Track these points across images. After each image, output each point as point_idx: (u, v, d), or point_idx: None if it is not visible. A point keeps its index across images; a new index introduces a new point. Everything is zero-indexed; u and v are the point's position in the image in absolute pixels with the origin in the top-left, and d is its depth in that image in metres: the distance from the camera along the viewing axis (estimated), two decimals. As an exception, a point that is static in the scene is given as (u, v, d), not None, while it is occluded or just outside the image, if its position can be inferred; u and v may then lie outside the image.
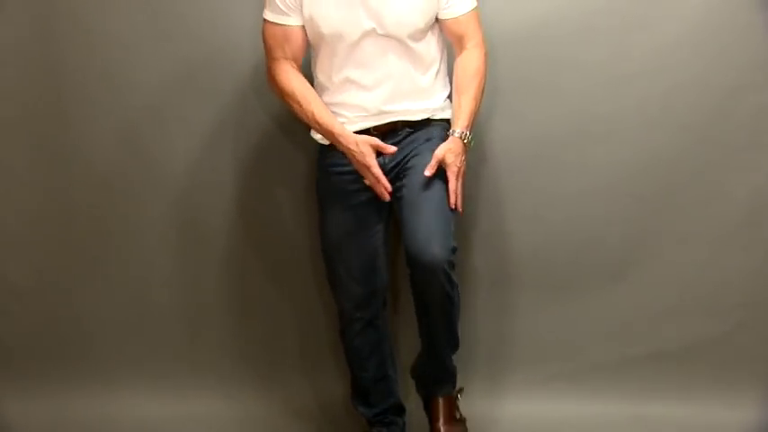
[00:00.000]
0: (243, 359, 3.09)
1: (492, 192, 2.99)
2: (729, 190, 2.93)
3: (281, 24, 2.56)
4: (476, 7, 2.60)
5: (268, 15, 2.57)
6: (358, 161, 2.49)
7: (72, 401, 3.05)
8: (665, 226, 2.97)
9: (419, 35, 2.54)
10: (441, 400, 2.61)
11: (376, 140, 2.50)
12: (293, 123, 2.89)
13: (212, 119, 2.99)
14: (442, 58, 2.63)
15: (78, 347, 3.09)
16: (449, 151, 2.47)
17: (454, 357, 2.64)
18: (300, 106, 2.55)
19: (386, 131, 2.55)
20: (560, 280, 3.01)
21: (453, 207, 2.47)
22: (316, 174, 2.71)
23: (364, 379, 2.70)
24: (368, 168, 2.48)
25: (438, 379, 2.63)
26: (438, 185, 2.48)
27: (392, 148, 2.51)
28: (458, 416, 2.65)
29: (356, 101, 2.55)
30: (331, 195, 2.61)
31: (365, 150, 2.48)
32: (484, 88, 2.58)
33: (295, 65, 2.59)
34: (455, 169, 2.47)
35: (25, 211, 3.05)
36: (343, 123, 2.55)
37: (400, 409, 2.77)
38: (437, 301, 2.42)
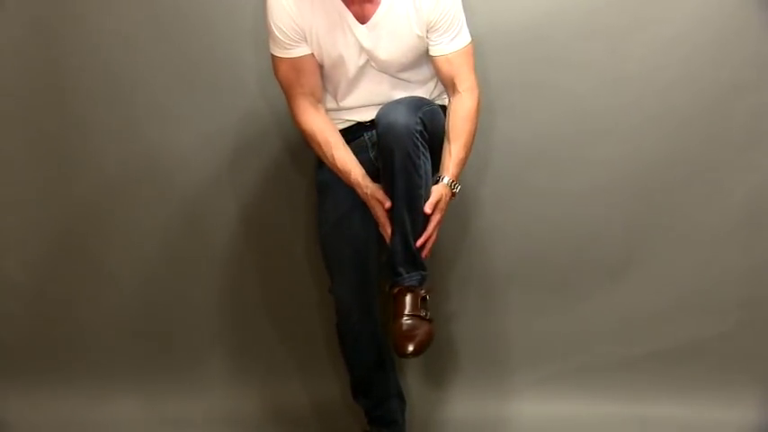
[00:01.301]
0: (240, 360, 3.09)
1: (492, 191, 2.99)
2: (729, 189, 2.94)
3: (289, 58, 2.54)
4: (469, 44, 2.56)
5: (275, 51, 2.55)
6: (370, 204, 2.51)
7: (72, 401, 3.05)
8: (665, 225, 2.97)
9: (409, 67, 2.58)
10: (407, 296, 2.44)
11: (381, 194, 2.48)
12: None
13: (213, 118, 2.99)
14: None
15: (78, 347, 3.08)
16: (438, 194, 2.45)
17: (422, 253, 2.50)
18: (321, 148, 2.55)
19: None
20: (560, 280, 3.01)
21: (421, 247, 2.43)
22: (315, 171, 2.72)
23: (363, 369, 2.69)
24: (378, 217, 2.49)
25: (403, 260, 2.45)
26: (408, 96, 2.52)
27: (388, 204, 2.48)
28: (424, 314, 2.44)
29: (356, 118, 2.61)
30: (327, 182, 2.63)
31: (374, 203, 2.49)
32: (475, 134, 2.54)
33: (314, 98, 2.58)
34: (438, 217, 2.45)
35: (25, 211, 3.05)
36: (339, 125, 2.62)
37: (401, 400, 2.76)
38: (400, 164, 2.35)
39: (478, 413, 2.98)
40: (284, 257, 3.06)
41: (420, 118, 2.38)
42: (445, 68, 2.56)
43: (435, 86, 2.67)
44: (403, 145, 2.34)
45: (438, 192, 2.45)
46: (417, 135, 2.36)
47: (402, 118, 2.35)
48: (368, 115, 2.60)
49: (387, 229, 2.47)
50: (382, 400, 2.72)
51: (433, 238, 2.47)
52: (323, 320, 3.00)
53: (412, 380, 3.02)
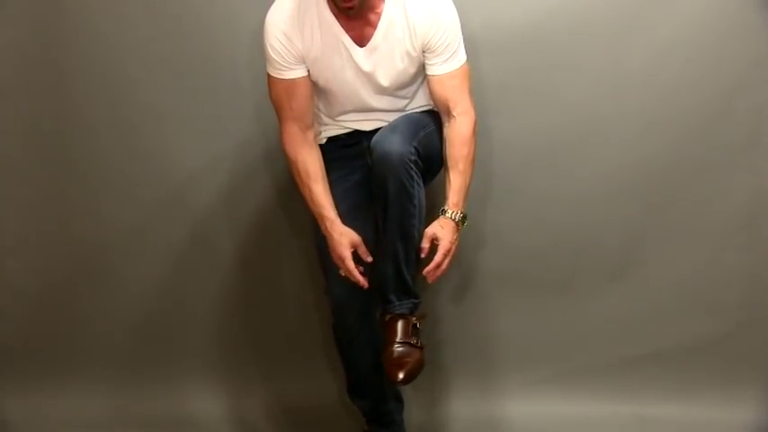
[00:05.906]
0: (238, 361, 3.10)
1: (491, 192, 2.99)
2: (729, 190, 2.94)
3: (282, 79, 2.53)
4: (464, 65, 2.51)
5: (270, 71, 2.54)
6: (335, 249, 2.48)
7: (72, 401, 3.05)
8: (665, 226, 2.97)
9: (407, 84, 2.57)
10: (398, 323, 2.46)
11: (358, 239, 2.48)
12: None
13: (212, 119, 3.00)
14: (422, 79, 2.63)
15: (78, 348, 3.09)
16: (439, 228, 2.44)
17: (415, 280, 2.51)
18: (299, 176, 2.54)
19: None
20: (560, 280, 3.01)
21: (429, 276, 2.45)
22: None
23: (360, 370, 2.69)
24: (342, 260, 2.47)
25: (395, 288, 2.47)
26: (406, 115, 2.51)
27: (369, 258, 2.49)
28: (414, 341, 2.45)
29: (355, 126, 2.61)
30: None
31: (344, 242, 2.47)
32: (474, 159, 2.52)
33: (303, 124, 2.55)
34: (446, 245, 2.43)
35: (25, 211, 3.05)
36: (328, 130, 2.62)
37: (398, 400, 2.77)
38: (393, 193, 2.36)
39: (477, 414, 2.98)
40: (282, 258, 3.06)
41: (415, 147, 2.38)
42: (439, 90, 2.52)
43: (418, 89, 2.64)
44: (397, 174, 2.34)
45: (432, 230, 2.43)
46: (411, 164, 2.36)
47: (396, 147, 2.35)
48: (367, 125, 2.60)
49: (356, 276, 2.45)
50: (379, 401, 2.72)
51: (443, 268, 2.45)
52: (321, 321, 3.00)
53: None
